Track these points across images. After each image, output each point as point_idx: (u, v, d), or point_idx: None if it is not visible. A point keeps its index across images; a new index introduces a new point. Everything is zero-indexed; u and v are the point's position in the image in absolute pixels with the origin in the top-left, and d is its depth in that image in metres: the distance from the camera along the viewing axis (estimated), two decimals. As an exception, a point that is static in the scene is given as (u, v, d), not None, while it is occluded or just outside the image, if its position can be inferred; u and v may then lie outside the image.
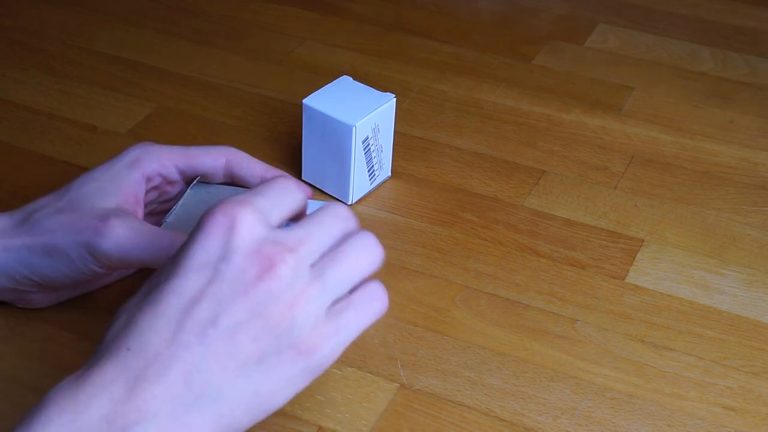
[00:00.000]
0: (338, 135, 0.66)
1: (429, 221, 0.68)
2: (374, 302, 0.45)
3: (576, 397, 0.55)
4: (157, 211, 0.61)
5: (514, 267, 0.64)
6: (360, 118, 0.65)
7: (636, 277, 0.64)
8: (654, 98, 0.83)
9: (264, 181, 0.47)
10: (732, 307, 0.62)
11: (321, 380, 0.55)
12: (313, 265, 0.44)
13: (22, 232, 0.54)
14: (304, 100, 0.67)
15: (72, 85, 0.82)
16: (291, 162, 0.73)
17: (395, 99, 0.68)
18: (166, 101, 0.80)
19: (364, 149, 0.67)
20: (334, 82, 0.69)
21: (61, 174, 0.71)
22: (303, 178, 0.70)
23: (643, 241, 0.67)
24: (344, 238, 0.45)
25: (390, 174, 0.72)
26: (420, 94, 0.82)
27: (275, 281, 0.42)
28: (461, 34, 0.92)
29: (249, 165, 0.59)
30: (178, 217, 0.58)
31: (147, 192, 0.58)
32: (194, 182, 0.59)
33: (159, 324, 0.41)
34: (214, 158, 0.59)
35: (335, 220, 0.46)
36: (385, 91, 0.68)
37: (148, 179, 0.57)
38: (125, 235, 0.52)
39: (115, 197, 0.55)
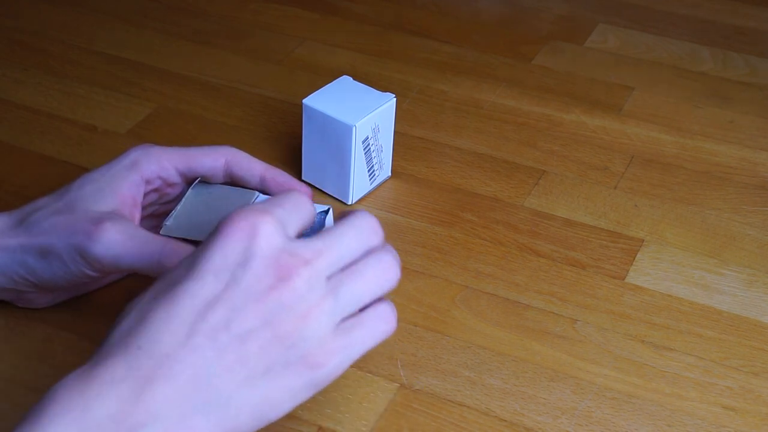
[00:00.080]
0: (338, 135, 0.66)
1: (429, 221, 0.68)
2: (383, 323, 0.45)
3: (576, 397, 0.55)
4: (158, 212, 0.61)
5: (514, 267, 0.64)
6: (360, 118, 0.65)
7: (636, 277, 0.64)
8: (654, 98, 0.83)
9: (281, 193, 0.47)
10: (732, 307, 0.62)
11: (321, 380, 0.55)
12: (329, 278, 0.44)
13: (20, 232, 0.54)
14: (304, 100, 0.67)
15: (72, 85, 0.82)
16: (291, 162, 0.73)
17: (395, 99, 0.68)
18: (166, 101, 0.80)
19: (364, 149, 0.67)
20: (334, 82, 0.69)
21: (61, 174, 0.71)
22: (303, 178, 0.70)
23: (643, 241, 0.67)
24: (365, 253, 0.45)
25: (390, 174, 0.72)
26: (420, 94, 0.82)
27: (288, 292, 0.42)
28: (461, 34, 0.92)
29: (249, 164, 0.59)
30: (178, 219, 0.58)
31: (147, 194, 0.58)
32: (195, 183, 0.59)
33: (172, 325, 0.41)
34: (214, 159, 0.58)
35: (359, 233, 0.45)
36: (385, 91, 0.68)
37: (148, 182, 0.57)
38: (116, 240, 0.52)
39: (112, 200, 0.55)
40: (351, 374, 0.56)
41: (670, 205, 0.70)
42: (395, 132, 0.74)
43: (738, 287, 0.63)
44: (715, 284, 0.64)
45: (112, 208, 0.54)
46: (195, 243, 0.56)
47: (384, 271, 0.45)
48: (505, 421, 0.53)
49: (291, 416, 0.53)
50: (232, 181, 0.60)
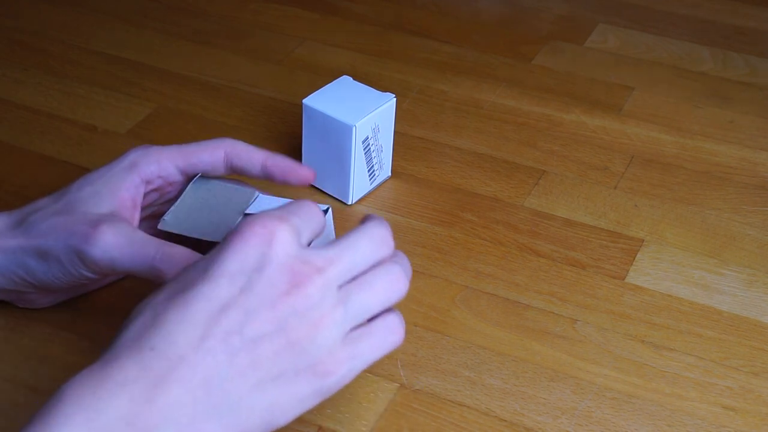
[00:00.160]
0: (338, 135, 0.66)
1: (429, 221, 0.68)
2: (392, 335, 0.46)
3: (576, 397, 0.55)
4: (159, 212, 0.61)
5: (514, 267, 0.64)
6: (360, 118, 0.65)
7: (636, 277, 0.64)
8: (654, 98, 0.83)
9: (291, 201, 0.47)
10: (732, 307, 0.62)
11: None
12: (340, 287, 0.44)
13: (19, 233, 0.54)
14: (304, 100, 0.67)
15: (72, 85, 0.82)
16: (291, 162, 0.73)
17: (395, 99, 0.68)
18: (166, 101, 0.80)
19: (364, 149, 0.67)
20: (334, 82, 0.69)
21: (61, 174, 0.71)
22: (303, 178, 0.70)
23: (643, 241, 0.67)
24: (375, 264, 0.46)
25: (390, 174, 0.72)
26: (420, 94, 0.82)
27: (302, 299, 0.43)
28: (461, 34, 0.92)
29: (248, 155, 0.58)
30: (177, 215, 0.58)
31: (147, 194, 0.58)
32: (195, 179, 0.59)
33: (186, 327, 0.41)
34: (212, 153, 0.58)
35: (370, 244, 0.46)
36: (385, 91, 0.68)
37: (147, 182, 0.57)
38: (113, 243, 0.52)
39: (111, 202, 0.55)
40: (354, 377, 0.55)
41: (670, 205, 0.70)
42: (395, 132, 0.74)
43: (738, 287, 0.63)
44: (715, 284, 0.64)
45: (111, 210, 0.54)
46: (191, 240, 0.57)
47: (392, 283, 0.46)
48: (505, 421, 0.53)
49: (291, 416, 0.53)
50: (234, 172, 0.59)
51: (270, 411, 0.42)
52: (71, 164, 0.72)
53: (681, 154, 0.76)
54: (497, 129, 0.78)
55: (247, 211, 0.58)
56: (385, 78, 0.84)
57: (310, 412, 0.53)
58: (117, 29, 0.90)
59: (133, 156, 0.57)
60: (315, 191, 0.70)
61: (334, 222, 0.58)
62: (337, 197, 0.69)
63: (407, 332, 0.58)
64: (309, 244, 0.47)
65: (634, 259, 0.65)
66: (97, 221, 0.53)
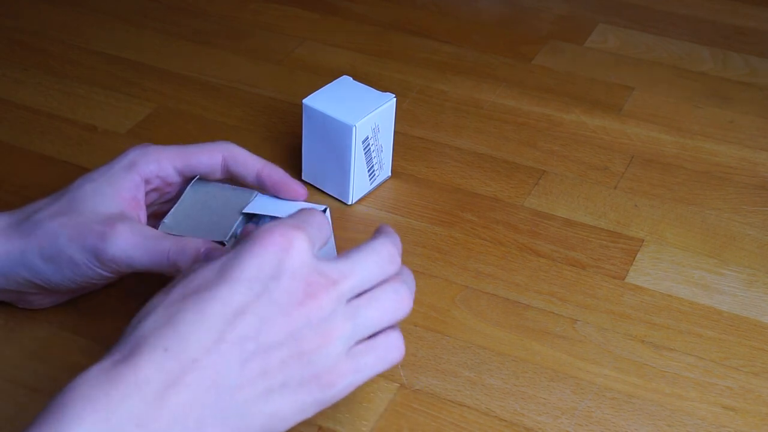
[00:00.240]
0: (338, 135, 0.66)
1: (429, 221, 0.68)
2: (393, 352, 0.47)
3: (576, 397, 0.55)
4: (159, 212, 0.61)
5: (514, 267, 0.64)
6: (360, 118, 0.65)
7: (636, 277, 0.64)
8: (654, 98, 0.83)
9: (302, 210, 0.48)
10: (732, 307, 0.62)
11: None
12: (348, 301, 0.45)
13: (24, 234, 0.53)
14: (304, 100, 0.67)
15: (72, 85, 0.82)
16: (291, 162, 0.73)
17: (395, 99, 0.68)
18: (166, 101, 0.80)
19: (364, 149, 0.67)
20: (334, 82, 0.69)
21: (61, 174, 0.71)
22: (303, 178, 0.70)
23: (643, 241, 0.67)
24: (382, 281, 0.46)
25: (390, 174, 0.72)
26: (420, 94, 0.82)
27: (315, 310, 0.43)
28: (461, 34, 0.92)
29: (245, 161, 0.59)
30: (176, 217, 0.58)
31: (147, 194, 0.58)
32: (193, 181, 0.59)
33: (201, 330, 0.41)
34: (211, 156, 0.59)
35: (379, 261, 0.46)
36: (385, 91, 0.68)
37: (147, 182, 0.57)
38: (130, 241, 0.52)
39: (116, 201, 0.55)
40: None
41: (670, 205, 0.71)
42: (395, 132, 0.74)
43: (738, 287, 0.63)
44: (715, 284, 0.64)
45: (117, 209, 0.54)
46: None
47: (398, 302, 0.47)
48: (505, 421, 0.53)
49: (291, 416, 0.53)
50: (230, 177, 0.60)
51: (271, 418, 0.43)
52: (71, 164, 0.72)
53: (681, 154, 0.76)
54: (497, 129, 0.78)
55: (245, 210, 0.58)
56: (385, 78, 0.84)
57: (310, 412, 0.53)
58: (117, 29, 0.90)
59: (133, 155, 0.57)
60: (315, 191, 0.70)
61: (334, 222, 0.58)
62: (337, 197, 0.69)
63: (407, 332, 0.58)
64: None
65: (634, 259, 0.65)
66: (111, 221, 0.53)
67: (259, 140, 0.75)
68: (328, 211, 0.56)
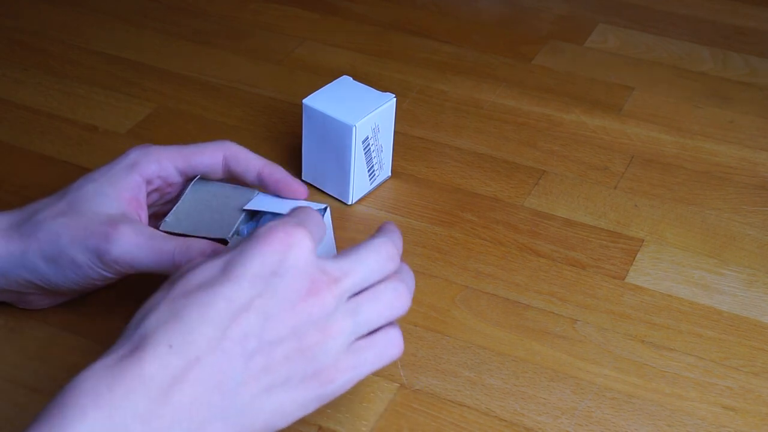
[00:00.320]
0: (338, 135, 0.66)
1: (429, 221, 0.68)
2: (392, 348, 0.47)
3: (576, 397, 0.55)
4: (159, 213, 0.61)
5: (514, 267, 0.64)
6: (360, 118, 0.65)
7: (636, 277, 0.64)
8: (654, 98, 0.83)
9: (299, 209, 0.48)
10: (732, 307, 0.62)
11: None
12: (349, 299, 0.45)
13: (25, 235, 0.53)
14: (304, 100, 0.67)
15: (72, 85, 0.82)
16: (291, 162, 0.73)
17: (395, 99, 0.68)
18: (166, 101, 0.80)
19: (364, 149, 0.67)
20: (334, 82, 0.69)
21: (61, 174, 0.71)
22: (303, 178, 0.70)
23: (643, 241, 0.67)
24: (382, 279, 0.47)
25: (390, 174, 0.72)
26: (420, 94, 0.82)
27: (318, 307, 0.44)
28: (461, 34, 0.92)
29: (246, 160, 0.59)
30: (177, 216, 0.58)
31: (148, 194, 0.58)
32: (194, 180, 0.59)
33: (205, 327, 0.41)
34: (212, 155, 0.59)
35: (379, 259, 0.47)
36: (385, 91, 0.68)
37: (149, 182, 0.57)
38: (134, 241, 0.52)
39: (117, 202, 0.55)
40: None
41: (670, 205, 0.71)
42: (395, 132, 0.74)
43: (738, 287, 0.63)
44: (715, 284, 0.64)
45: (119, 210, 0.54)
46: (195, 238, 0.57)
47: (397, 300, 0.47)
48: (505, 421, 0.53)
49: (291, 416, 0.53)
50: (231, 176, 0.60)
51: (273, 414, 0.43)
52: (71, 164, 0.72)
53: (681, 154, 0.76)
54: (497, 129, 0.78)
55: (247, 207, 0.58)
56: (385, 78, 0.84)
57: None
58: (117, 29, 0.90)
59: (134, 155, 0.57)
60: (315, 191, 0.70)
61: (334, 222, 0.58)
62: (337, 197, 0.69)
63: (407, 332, 0.58)
64: None
65: (634, 259, 0.65)
66: (114, 221, 0.53)
67: (259, 140, 0.75)
68: (328, 210, 0.56)
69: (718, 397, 0.56)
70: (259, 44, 0.89)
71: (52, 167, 0.72)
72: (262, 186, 0.59)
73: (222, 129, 0.77)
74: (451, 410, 0.54)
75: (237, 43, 0.89)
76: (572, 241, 0.67)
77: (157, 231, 0.53)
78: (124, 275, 0.54)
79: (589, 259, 0.65)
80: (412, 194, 0.70)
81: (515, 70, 0.86)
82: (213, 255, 0.51)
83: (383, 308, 0.46)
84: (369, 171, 0.69)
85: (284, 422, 0.44)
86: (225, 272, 0.43)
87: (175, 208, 0.58)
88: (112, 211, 0.54)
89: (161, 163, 0.57)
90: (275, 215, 0.57)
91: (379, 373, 0.56)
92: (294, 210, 0.48)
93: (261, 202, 0.58)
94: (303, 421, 0.53)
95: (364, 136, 0.66)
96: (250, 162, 0.59)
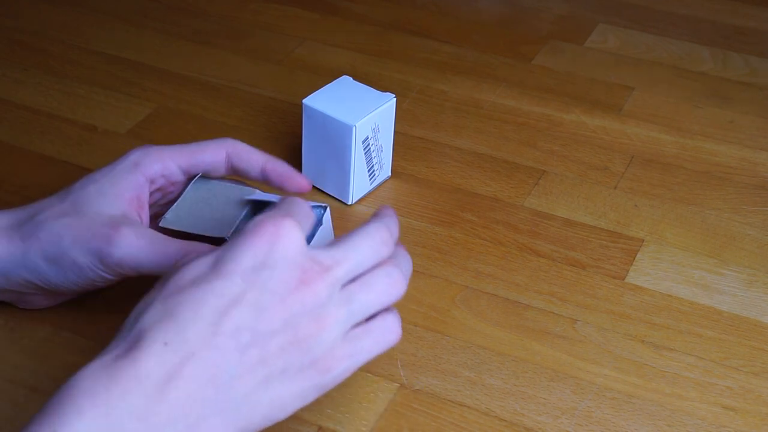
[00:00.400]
0: (338, 135, 0.66)
1: (429, 221, 0.68)
2: (389, 334, 0.47)
3: (576, 397, 0.55)
4: (160, 213, 0.61)
5: (514, 267, 0.64)
6: (360, 118, 0.65)
7: (636, 277, 0.64)
8: (654, 98, 0.83)
9: (286, 200, 0.48)
10: (732, 307, 0.62)
11: (321, 380, 0.55)
12: (342, 287, 0.45)
13: (26, 236, 0.53)
14: (304, 100, 0.67)
15: (72, 85, 0.82)
16: (291, 162, 0.72)
17: (395, 99, 0.68)
18: (166, 101, 0.80)
19: (364, 149, 0.67)
20: (334, 82, 0.69)
21: (61, 174, 0.71)
22: (303, 178, 0.70)
23: (643, 241, 0.67)
24: (375, 265, 0.47)
25: (390, 174, 0.72)
26: (420, 94, 0.82)
27: (310, 297, 0.43)
28: (461, 34, 0.92)
29: (248, 156, 0.59)
30: (177, 213, 0.58)
31: (151, 194, 0.58)
32: (196, 178, 0.59)
33: (198, 323, 0.41)
34: (215, 153, 0.59)
35: (372, 245, 0.47)
36: (385, 91, 0.68)
37: (152, 182, 0.57)
38: (136, 244, 0.52)
39: (119, 202, 0.55)
40: (351, 374, 0.55)
41: (670, 205, 0.70)
42: (395, 132, 0.74)
43: (738, 287, 0.63)
44: (715, 284, 0.64)
45: (120, 211, 0.54)
46: (192, 237, 0.57)
47: (391, 286, 0.47)
48: (505, 421, 0.53)
49: (291, 416, 0.53)
50: (234, 173, 0.60)
51: (272, 407, 0.43)
52: (71, 164, 0.72)
53: (681, 154, 0.76)
54: (497, 129, 0.78)
55: (250, 197, 0.58)
56: (385, 78, 0.84)
57: (311, 412, 0.53)
58: (117, 29, 0.90)
59: (136, 155, 0.57)
60: (315, 191, 0.70)
61: (334, 222, 0.58)
62: (337, 197, 0.69)
63: (407, 332, 0.58)
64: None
65: (634, 259, 0.65)
66: (116, 223, 0.53)
67: (259, 140, 0.75)
68: (328, 210, 0.56)
69: (718, 397, 0.56)
70: (259, 44, 0.89)
71: (52, 167, 0.72)
72: (265, 181, 0.59)
73: (222, 129, 0.77)
74: (451, 410, 0.54)
75: (237, 43, 0.89)
76: (572, 241, 0.67)
77: (159, 234, 0.53)
78: (125, 277, 0.54)
79: (589, 259, 0.65)
80: (412, 194, 0.70)
81: (515, 70, 0.86)
82: None
83: (378, 295, 0.46)
84: (369, 171, 0.69)
85: (283, 414, 0.44)
86: (215, 268, 0.43)
87: (175, 205, 0.58)
88: (113, 211, 0.54)
89: (164, 162, 0.57)
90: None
91: (379, 373, 0.56)
92: (281, 201, 0.48)
93: (261, 196, 0.59)
94: (303, 421, 0.53)
95: (364, 136, 0.66)
96: (253, 158, 0.59)
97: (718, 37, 0.93)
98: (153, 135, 0.76)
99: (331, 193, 0.70)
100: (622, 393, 0.55)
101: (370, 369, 0.56)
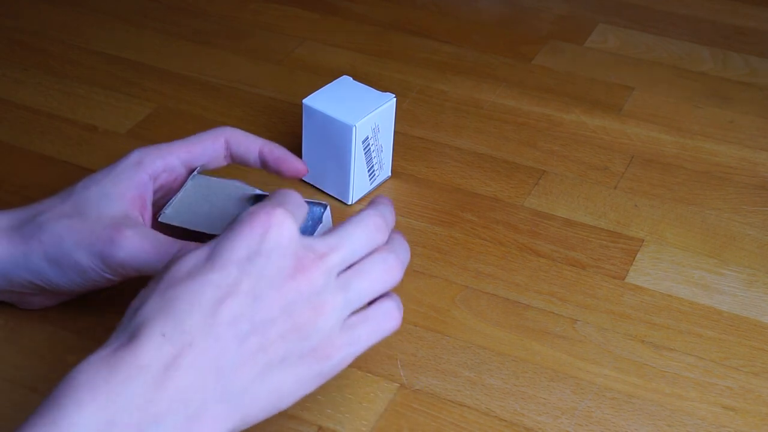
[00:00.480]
0: (338, 135, 0.66)
1: (429, 221, 0.68)
2: (388, 320, 0.47)
3: (576, 397, 0.55)
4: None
5: (514, 267, 0.64)
6: (360, 118, 0.65)
7: (636, 277, 0.64)
8: (654, 98, 0.83)
9: (278, 191, 0.48)
10: (732, 307, 0.62)
11: (321, 380, 0.55)
12: (338, 274, 0.45)
13: (27, 237, 0.53)
14: (304, 100, 0.67)
15: (72, 85, 0.82)
16: (291, 162, 0.73)
17: (395, 99, 0.68)
18: (166, 101, 0.80)
19: (364, 149, 0.67)
20: (334, 82, 0.69)
21: (61, 174, 0.71)
22: (303, 178, 0.70)
23: (643, 241, 0.67)
24: (371, 251, 0.47)
25: (390, 174, 0.72)
26: (420, 94, 0.82)
27: (306, 284, 0.44)
28: (461, 34, 0.92)
29: (246, 142, 0.59)
30: (177, 208, 0.57)
31: (153, 192, 0.58)
32: (194, 174, 0.59)
33: (195, 314, 0.42)
34: (213, 141, 0.59)
35: (366, 232, 0.47)
36: (385, 91, 0.68)
37: (155, 179, 0.57)
38: (139, 245, 0.52)
39: (121, 203, 0.54)
40: (351, 374, 0.56)
41: (670, 205, 0.71)
42: (395, 132, 0.74)
43: (738, 287, 0.63)
44: (715, 284, 0.64)
45: (122, 211, 0.54)
46: (191, 233, 0.57)
47: (387, 272, 0.47)
48: (505, 421, 0.53)
49: (291, 416, 0.53)
50: (233, 161, 0.60)
51: (272, 395, 0.43)
52: (71, 164, 0.72)
53: (681, 154, 0.76)
54: (497, 129, 0.78)
55: (248, 192, 0.58)
56: (385, 78, 0.84)
57: (311, 412, 0.53)
58: (117, 29, 0.90)
59: (137, 155, 0.57)
60: (315, 191, 0.70)
61: (334, 222, 0.58)
62: (337, 197, 0.69)
63: (407, 332, 0.58)
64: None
65: (634, 259, 0.65)
66: (119, 224, 0.53)
67: (259, 140, 0.75)
68: (328, 209, 0.56)
69: (718, 397, 0.56)
70: (259, 44, 0.89)
71: (52, 167, 0.72)
72: (263, 165, 0.59)
73: (222, 129, 0.77)
74: (451, 410, 0.54)
75: (237, 43, 0.89)
76: (572, 241, 0.67)
77: (161, 234, 0.53)
78: (127, 278, 0.54)
79: (589, 259, 0.65)
80: (412, 194, 0.70)
81: (515, 70, 0.86)
82: None
83: (373, 281, 0.46)
84: (369, 171, 0.69)
85: (285, 403, 0.44)
86: (210, 259, 0.43)
87: (174, 200, 0.58)
88: (115, 212, 0.54)
89: (165, 158, 0.57)
90: None
91: (379, 373, 0.56)
92: (274, 193, 0.48)
93: (261, 193, 0.59)
94: (303, 421, 0.53)
95: (364, 136, 0.66)
96: (251, 142, 0.59)
97: (718, 37, 0.93)
98: (153, 135, 0.76)
99: (331, 193, 0.70)
100: (622, 393, 0.55)
101: (370, 369, 0.56)
